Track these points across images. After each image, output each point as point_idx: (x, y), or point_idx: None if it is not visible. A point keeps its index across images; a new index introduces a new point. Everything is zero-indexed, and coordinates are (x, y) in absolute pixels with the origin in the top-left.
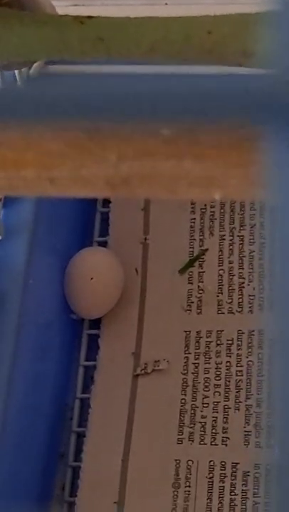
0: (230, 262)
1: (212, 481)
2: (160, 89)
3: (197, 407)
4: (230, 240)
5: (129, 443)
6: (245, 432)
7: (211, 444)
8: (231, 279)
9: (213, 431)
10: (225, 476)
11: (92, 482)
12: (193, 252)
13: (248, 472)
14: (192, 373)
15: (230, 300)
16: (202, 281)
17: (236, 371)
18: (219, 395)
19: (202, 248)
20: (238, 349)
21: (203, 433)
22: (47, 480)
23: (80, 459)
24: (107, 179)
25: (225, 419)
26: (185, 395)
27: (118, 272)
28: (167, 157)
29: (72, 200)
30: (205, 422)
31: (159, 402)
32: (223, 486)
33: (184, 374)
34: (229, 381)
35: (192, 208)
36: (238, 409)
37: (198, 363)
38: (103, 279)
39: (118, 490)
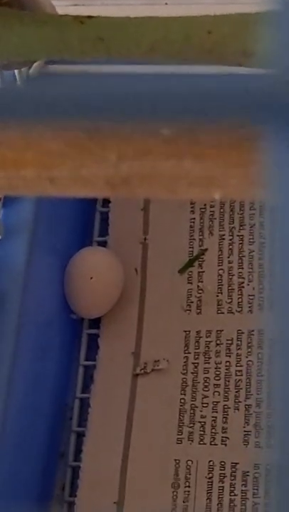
0: (229, 262)
1: (211, 481)
2: (160, 89)
3: (197, 407)
4: (230, 240)
5: (128, 443)
6: (245, 431)
7: (211, 444)
8: (231, 278)
9: (213, 431)
10: (224, 476)
11: (91, 482)
12: (192, 251)
13: (248, 472)
14: (192, 373)
15: (229, 300)
16: (202, 281)
17: (236, 371)
18: (219, 394)
19: (202, 248)
20: (238, 349)
21: (202, 433)
22: (47, 480)
23: (80, 459)
24: (107, 179)
25: (224, 419)
26: (184, 394)
27: (118, 272)
28: (167, 157)
29: (71, 200)
30: (204, 422)
31: (159, 402)
32: (223, 486)
33: (184, 374)
34: (229, 381)
35: (192, 207)
36: (238, 409)
37: (197, 363)
38: (103, 278)
39: (118, 490)
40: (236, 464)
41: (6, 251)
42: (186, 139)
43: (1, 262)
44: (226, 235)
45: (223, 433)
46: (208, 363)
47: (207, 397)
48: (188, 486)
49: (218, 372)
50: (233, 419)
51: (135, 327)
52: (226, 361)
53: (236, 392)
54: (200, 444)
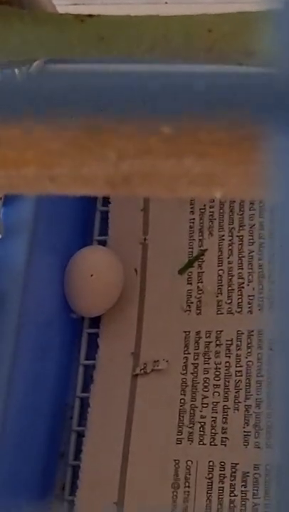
0: (229, 263)
1: (211, 482)
2: (160, 87)
3: (196, 407)
4: (230, 240)
5: (128, 443)
6: (245, 432)
7: (211, 445)
8: (230, 279)
9: (213, 431)
10: (224, 477)
11: (91, 482)
12: (192, 252)
13: (248, 473)
14: (191, 373)
15: (229, 300)
16: (201, 282)
17: (236, 371)
18: (218, 395)
19: (201, 248)
20: (238, 349)
21: (202, 433)
22: (47, 479)
23: (80, 459)
24: (108, 178)
25: (224, 420)
26: (184, 395)
27: (118, 271)
28: (167, 155)
29: (72, 199)
30: (204, 422)
31: (159, 402)
32: (223, 487)
33: (183, 374)
34: (228, 381)
35: (191, 208)
36: (238, 410)
37: (197, 363)
38: (103, 277)
39: (117, 490)
40: (236, 464)
41: (6, 250)
42: (187, 138)
43: (1, 261)
44: (226, 236)
45: (222, 433)
46: (208, 363)
47: (207, 397)
48: (188, 487)
49: (217, 373)
50: (233, 419)
51: (135, 327)
52: (226, 362)
53: (236, 392)
54: (200, 444)
